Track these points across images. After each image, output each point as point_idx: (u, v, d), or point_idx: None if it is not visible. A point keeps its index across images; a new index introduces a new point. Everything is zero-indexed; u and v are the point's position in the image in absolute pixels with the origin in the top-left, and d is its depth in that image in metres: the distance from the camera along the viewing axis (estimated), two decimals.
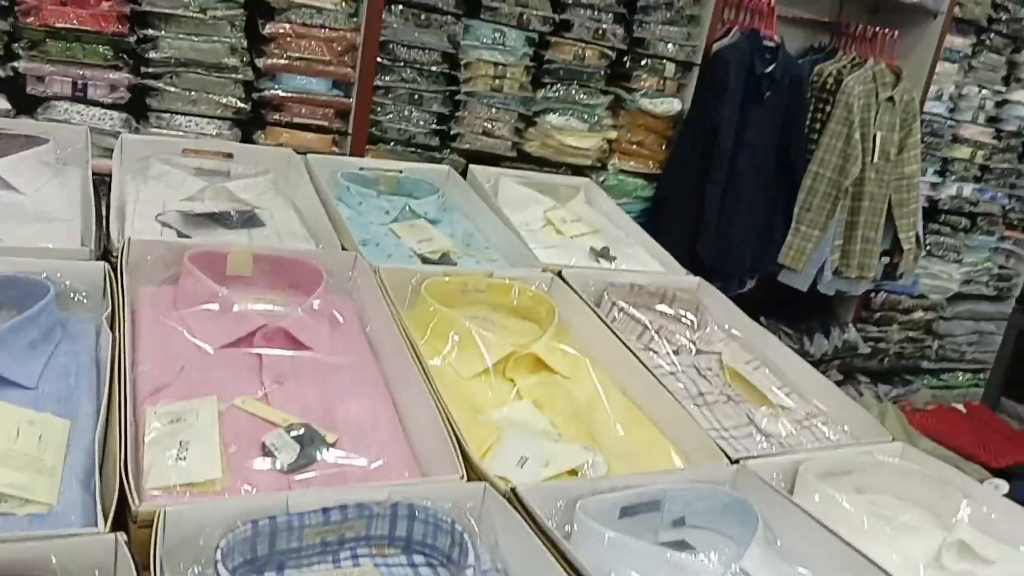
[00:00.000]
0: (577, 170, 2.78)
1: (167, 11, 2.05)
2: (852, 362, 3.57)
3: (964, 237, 3.76)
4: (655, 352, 1.24)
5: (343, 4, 2.22)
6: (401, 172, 1.53)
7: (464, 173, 1.66)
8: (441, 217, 1.46)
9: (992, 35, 3.44)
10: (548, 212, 1.58)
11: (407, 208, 1.42)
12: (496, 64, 2.47)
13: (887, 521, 0.96)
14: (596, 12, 2.57)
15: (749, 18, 2.89)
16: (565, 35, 2.55)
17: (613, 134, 2.72)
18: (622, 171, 2.78)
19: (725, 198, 2.87)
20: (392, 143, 2.42)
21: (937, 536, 0.95)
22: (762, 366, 1.29)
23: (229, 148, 1.49)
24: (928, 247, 3.63)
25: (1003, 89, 3.59)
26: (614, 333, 1.17)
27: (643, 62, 2.70)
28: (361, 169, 1.52)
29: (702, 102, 2.77)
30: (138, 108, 2.12)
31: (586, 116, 2.64)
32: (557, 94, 2.58)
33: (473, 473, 0.84)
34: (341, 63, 2.26)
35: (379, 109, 2.38)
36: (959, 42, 3.36)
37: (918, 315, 3.72)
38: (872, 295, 3.54)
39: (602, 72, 2.65)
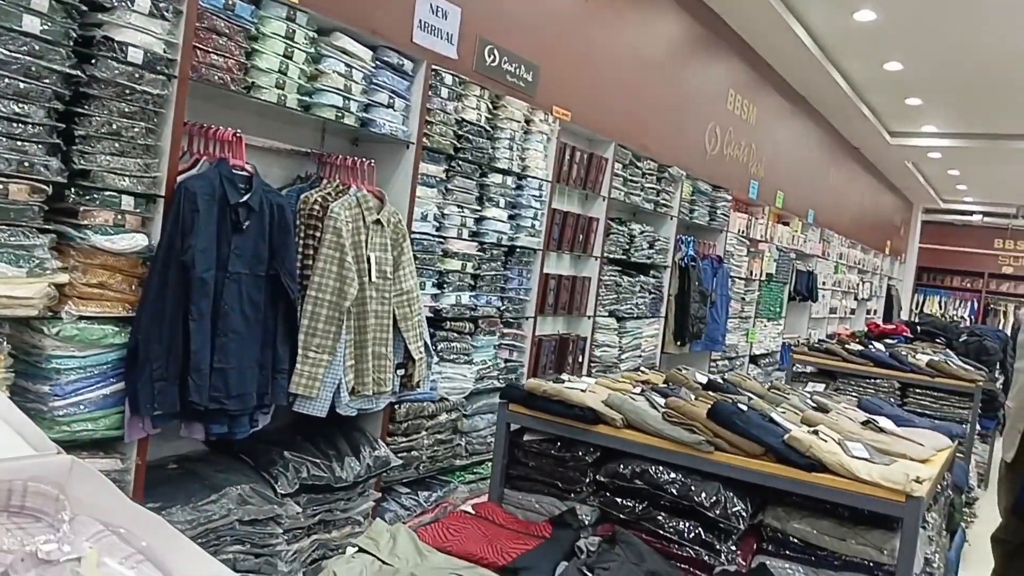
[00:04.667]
0: (22, 323, 2.23)
1: None
2: (387, 476, 3.44)
3: (471, 339, 3.94)
4: None
5: None
6: None
7: None
8: None
9: (461, 162, 3.73)
10: None
11: None
12: None
13: None
14: (19, 142, 2.12)
15: (217, 148, 2.67)
16: None
17: (63, 277, 2.23)
18: (83, 318, 2.29)
19: (215, 335, 2.54)
20: None
21: None
22: (143, 563, 0.96)
23: None
24: (440, 353, 3.72)
25: (479, 208, 3.91)
26: None
27: (92, 196, 2.29)
28: None
29: (172, 235, 2.43)
30: None
31: (21, 259, 2.13)
32: None
33: None
34: None
35: None
36: (433, 169, 3.56)
37: (443, 417, 3.77)
38: (396, 407, 3.48)
39: (38, 208, 2.18)
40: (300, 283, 2.90)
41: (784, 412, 2.56)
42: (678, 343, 5.81)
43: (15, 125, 2.10)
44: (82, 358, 2.30)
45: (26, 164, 2.13)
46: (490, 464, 4.08)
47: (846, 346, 5.53)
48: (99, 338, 2.33)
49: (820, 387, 3.84)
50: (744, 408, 2.35)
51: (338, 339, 2.98)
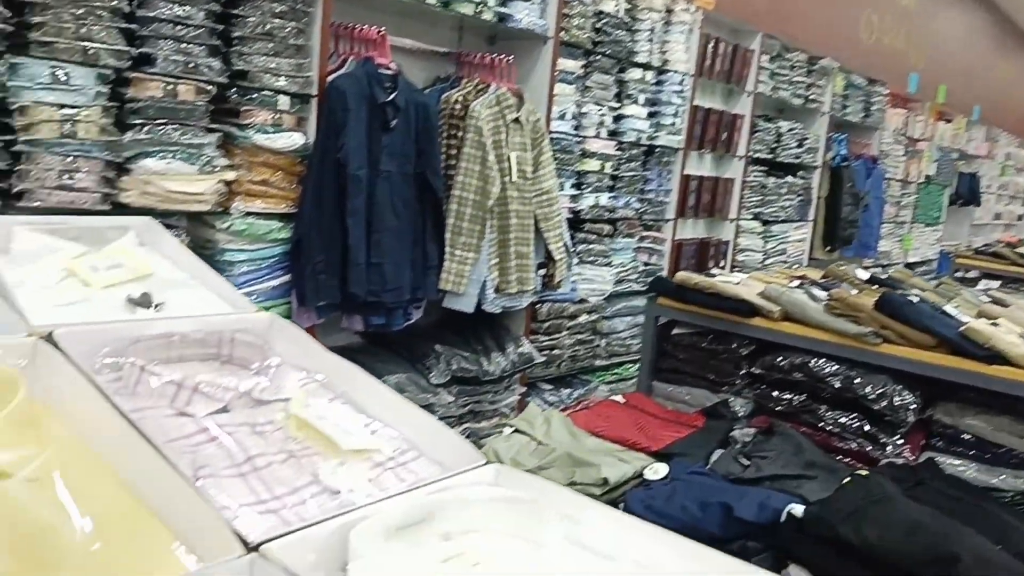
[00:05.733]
0: (197, 218, 2.40)
1: None
2: (531, 373, 3.52)
3: (609, 241, 3.91)
4: (191, 415, 0.92)
5: None
6: None
7: None
8: None
9: (599, 57, 3.61)
10: (72, 260, 1.20)
11: None
12: (62, 106, 2.01)
13: None
14: (184, 44, 2.22)
15: (363, 48, 2.71)
16: (148, 70, 2.16)
17: (231, 175, 2.36)
18: (250, 214, 2.43)
19: (370, 231, 2.64)
20: None
21: None
22: (344, 405, 1.02)
23: None
24: (579, 255, 3.71)
25: (617, 105, 3.80)
26: (114, 404, 0.83)
27: (252, 96, 2.39)
28: None
29: (326, 134, 2.51)
30: None
31: (192, 158, 2.26)
32: (151, 136, 2.18)
33: None
34: None
35: None
36: (571, 64, 3.47)
37: (583, 318, 3.78)
38: (538, 307, 3.52)
39: (204, 108, 2.29)
40: (444, 182, 2.94)
41: (958, 306, 2.39)
42: (827, 248, 5.52)
43: (179, 27, 2.20)
44: (252, 251, 2.45)
45: (191, 65, 2.23)
46: (631, 365, 4.09)
47: (1016, 250, 5.10)
48: (265, 233, 2.47)
49: (995, 284, 3.56)
50: (915, 300, 2.22)
51: (482, 238, 3.02)
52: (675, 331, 2.43)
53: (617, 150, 3.80)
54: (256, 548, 0.68)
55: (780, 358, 2.20)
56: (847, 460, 2.08)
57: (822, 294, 2.33)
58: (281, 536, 0.70)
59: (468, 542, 0.82)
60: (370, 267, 2.64)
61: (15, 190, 1.98)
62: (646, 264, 4.18)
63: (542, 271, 3.37)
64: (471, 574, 0.72)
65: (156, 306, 1.14)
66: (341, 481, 0.86)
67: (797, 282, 2.48)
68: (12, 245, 1.20)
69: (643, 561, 0.80)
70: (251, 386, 0.99)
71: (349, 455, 0.91)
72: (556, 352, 3.66)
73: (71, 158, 2.04)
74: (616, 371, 4.05)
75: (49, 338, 0.92)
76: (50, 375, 0.88)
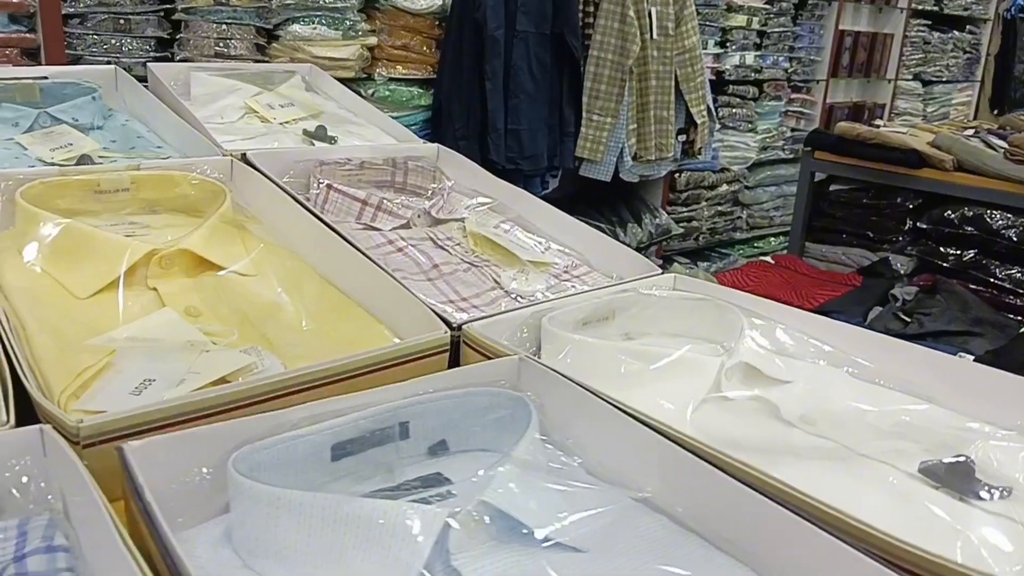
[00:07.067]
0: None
1: None
2: (668, 245, 3.48)
3: (754, 105, 3.72)
4: (378, 229, 0.97)
5: None
6: (46, 78, 1.16)
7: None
8: (101, 123, 1.12)
9: None
10: (250, 99, 1.27)
11: (45, 115, 1.07)
12: None
13: (655, 360, 0.74)
14: None
15: None
16: None
17: (373, 40, 2.39)
18: (392, 80, 2.47)
19: (507, 95, 2.62)
20: None
21: (715, 365, 0.74)
22: (516, 227, 1.05)
23: None
24: (722, 119, 3.56)
25: None
26: (313, 213, 0.89)
27: None
28: None
29: None
30: None
31: (336, 22, 2.30)
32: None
33: (42, 415, 0.55)
34: None
35: (77, 43, 1.94)
36: None
37: (723, 188, 3.67)
38: (676, 176, 3.44)
39: None
40: (582, 43, 2.86)
41: None
42: (995, 112, 5.03)
43: None
44: (395, 119, 2.49)
45: None
46: (773, 239, 3.97)
47: None
48: (408, 99, 2.50)
49: None
50: None
51: (620, 101, 2.94)
52: (832, 187, 2.32)
53: (765, 3, 3.56)
54: (459, 328, 0.72)
55: (950, 211, 2.07)
56: (1019, 318, 1.97)
57: (1000, 142, 2.15)
58: (479, 319, 0.74)
59: (650, 342, 0.84)
60: (508, 133, 2.64)
61: (177, 58, 2.09)
62: (793, 130, 3.96)
63: (682, 137, 3.26)
64: (660, 353, 0.74)
65: (331, 139, 1.19)
66: (523, 287, 0.89)
67: (971, 131, 2.29)
68: (192, 89, 1.27)
69: (841, 359, 0.79)
70: (429, 205, 1.03)
71: (528, 266, 0.94)
72: (694, 224, 3.59)
73: (224, 26, 2.12)
74: (757, 244, 3.94)
75: (243, 158, 0.99)
76: (248, 189, 0.95)
